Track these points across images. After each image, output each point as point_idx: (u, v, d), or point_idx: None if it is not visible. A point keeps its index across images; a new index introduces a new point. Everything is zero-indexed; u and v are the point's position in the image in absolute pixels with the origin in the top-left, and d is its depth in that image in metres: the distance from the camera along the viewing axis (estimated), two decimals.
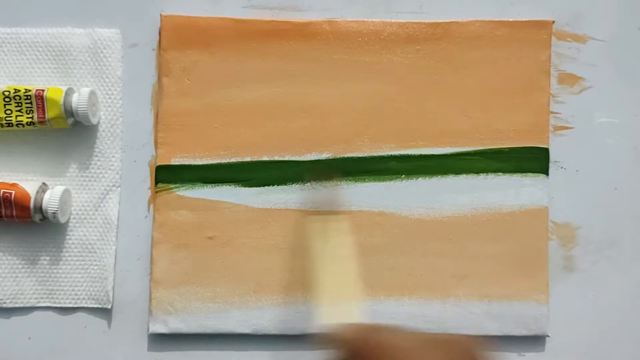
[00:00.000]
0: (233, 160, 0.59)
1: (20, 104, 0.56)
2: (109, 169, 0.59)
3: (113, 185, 0.59)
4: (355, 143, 0.59)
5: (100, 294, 0.58)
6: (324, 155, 0.59)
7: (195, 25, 0.59)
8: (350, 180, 0.59)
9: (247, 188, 0.59)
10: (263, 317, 0.58)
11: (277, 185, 0.59)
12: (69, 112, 0.56)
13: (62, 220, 0.57)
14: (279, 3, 0.60)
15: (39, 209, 0.56)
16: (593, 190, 0.60)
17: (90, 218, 0.59)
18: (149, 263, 0.59)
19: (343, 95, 0.59)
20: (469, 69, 0.59)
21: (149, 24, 0.60)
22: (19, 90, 0.56)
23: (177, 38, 0.59)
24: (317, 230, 0.54)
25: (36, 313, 0.59)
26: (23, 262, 0.59)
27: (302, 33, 0.59)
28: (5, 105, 0.56)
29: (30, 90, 0.56)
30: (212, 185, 0.59)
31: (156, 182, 0.59)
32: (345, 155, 0.59)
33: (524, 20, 0.60)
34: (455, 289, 0.59)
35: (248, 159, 0.59)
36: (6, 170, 0.59)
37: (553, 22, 0.60)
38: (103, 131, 0.59)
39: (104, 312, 0.59)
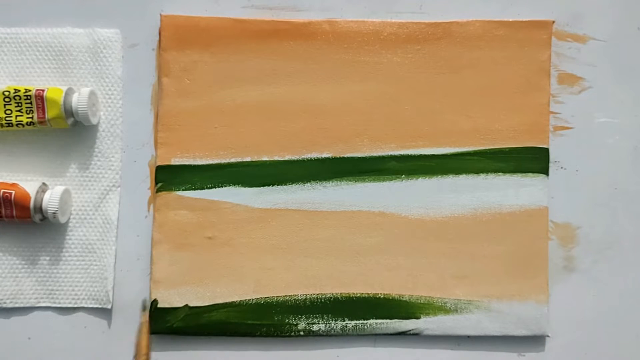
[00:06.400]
0: (233, 160, 0.59)
1: (20, 104, 0.56)
2: (109, 169, 0.59)
3: (113, 185, 0.59)
4: (355, 143, 0.59)
5: (100, 294, 0.58)
6: (324, 155, 0.59)
7: (195, 25, 0.59)
8: (350, 180, 0.59)
9: (247, 188, 0.59)
10: (262, 317, 0.58)
11: (277, 185, 0.59)
12: (69, 112, 0.56)
13: (62, 220, 0.57)
14: (279, 3, 0.60)
15: (39, 209, 0.56)
16: (593, 190, 0.60)
17: (90, 218, 0.59)
18: (149, 263, 0.59)
19: (343, 95, 0.59)
20: (469, 69, 0.59)
21: (149, 24, 0.60)
22: (19, 90, 0.56)
23: (177, 38, 0.59)
24: None
25: (36, 313, 0.59)
26: (23, 262, 0.59)
27: (302, 33, 0.59)
28: (5, 105, 0.56)
29: (30, 90, 0.56)
30: (212, 185, 0.59)
31: (156, 182, 0.59)
32: (345, 155, 0.59)
33: (524, 20, 0.60)
34: (455, 289, 0.59)
35: (248, 159, 0.59)
36: (6, 170, 0.59)
37: (553, 22, 0.60)
38: (103, 131, 0.59)
39: (104, 312, 0.59)
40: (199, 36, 0.59)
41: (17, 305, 0.59)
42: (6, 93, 0.56)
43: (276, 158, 0.59)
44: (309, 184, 0.59)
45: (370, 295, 0.58)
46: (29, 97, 0.56)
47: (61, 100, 0.56)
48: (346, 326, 0.58)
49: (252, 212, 0.59)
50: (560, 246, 0.60)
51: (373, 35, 0.59)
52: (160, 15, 0.59)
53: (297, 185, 0.59)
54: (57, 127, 0.57)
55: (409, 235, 0.59)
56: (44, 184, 0.58)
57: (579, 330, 0.60)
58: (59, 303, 0.59)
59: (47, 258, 0.59)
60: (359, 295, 0.58)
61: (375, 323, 0.58)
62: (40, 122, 0.56)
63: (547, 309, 0.59)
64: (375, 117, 0.59)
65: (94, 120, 0.58)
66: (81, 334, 0.59)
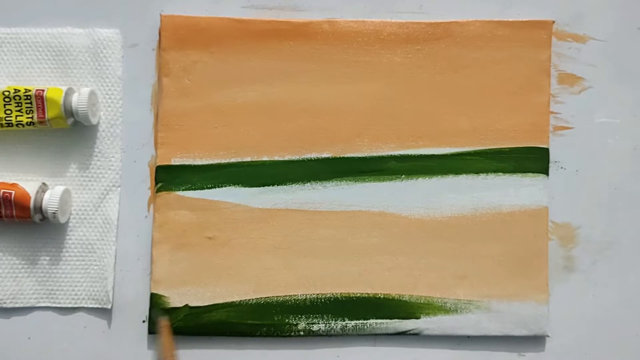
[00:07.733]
0: (233, 160, 0.59)
1: (20, 104, 0.56)
2: (109, 169, 0.59)
3: (113, 185, 0.59)
4: (355, 143, 0.59)
5: (100, 294, 0.58)
6: (324, 155, 0.59)
7: (195, 25, 0.59)
8: (350, 180, 0.59)
9: (247, 188, 0.59)
10: (262, 317, 0.58)
11: (277, 185, 0.59)
12: (69, 112, 0.56)
13: (62, 220, 0.57)
14: (279, 3, 0.60)
15: (39, 209, 0.56)
16: (593, 190, 0.60)
17: (90, 218, 0.59)
18: (149, 263, 0.59)
19: (343, 95, 0.59)
20: (469, 69, 0.59)
21: (149, 24, 0.60)
22: (19, 90, 0.56)
23: (177, 38, 0.59)
24: None
25: (36, 313, 0.59)
26: (23, 262, 0.59)
27: (302, 33, 0.59)
28: (5, 105, 0.56)
29: (30, 90, 0.56)
30: (212, 185, 0.59)
31: (156, 182, 0.59)
32: (345, 155, 0.59)
33: (524, 20, 0.60)
34: (455, 289, 0.59)
35: (248, 159, 0.59)
36: (6, 170, 0.59)
37: (553, 22, 0.60)
38: (103, 131, 0.59)
39: (104, 312, 0.59)
40: (199, 36, 0.59)
41: (17, 305, 0.59)
42: (6, 93, 0.56)
43: (276, 158, 0.59)
44: (309, 184, 0.59)
45: (370, 295, 0.58)
46: (29, 97, 0.56)
47: (61, 100, 0.56)
48: (346, 326, 0.58)
49: (252, 212, 0.59)
50: (560, 246, 0.60)
51: (373, 35, 0.59)
52: (160, 15, 0.59)
53: (297, 185, 0.59)
54: (57, 127, 0.57)
55: (409, 235, 0.59)
56: (44, 184, 0.58)
57: (579, 330, 0.60)
58: (59, 303, 0.59)
59: (47, 258, 0.59)
60: (359, 295, 0.58)
61: (375, 323, 0.58)
62: (40, 122, 0.56)
63: (547, 309, 0.59)
64: (375, 117, 0.59)
65: (94, 120, 0.58)
66: (81, 334, 0.59)
